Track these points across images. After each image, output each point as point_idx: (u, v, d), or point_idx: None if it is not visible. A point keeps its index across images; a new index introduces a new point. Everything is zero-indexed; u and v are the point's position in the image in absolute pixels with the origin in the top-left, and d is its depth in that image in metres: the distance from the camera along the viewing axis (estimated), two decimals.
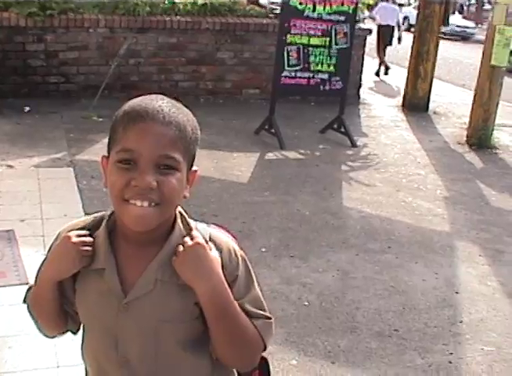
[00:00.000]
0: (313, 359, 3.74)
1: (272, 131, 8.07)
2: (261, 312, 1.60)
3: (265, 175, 6.84)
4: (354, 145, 8.31)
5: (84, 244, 1.55)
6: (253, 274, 1.62)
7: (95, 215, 1.67)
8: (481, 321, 4.33)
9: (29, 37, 8.96)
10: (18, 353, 3.51)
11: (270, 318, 1.61)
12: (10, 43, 8.88)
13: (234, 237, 1.70)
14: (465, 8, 37.96)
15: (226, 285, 1.52)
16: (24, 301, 1.72)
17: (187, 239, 1.51)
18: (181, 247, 1.50)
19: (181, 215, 1.59)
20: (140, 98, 1.52)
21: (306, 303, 4.26)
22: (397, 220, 5.95)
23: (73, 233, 1.56)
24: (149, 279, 1.52)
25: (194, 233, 1.54)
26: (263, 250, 4.99)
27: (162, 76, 9.79)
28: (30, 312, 1.70)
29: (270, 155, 7.61)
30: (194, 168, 1.57)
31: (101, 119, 8.31)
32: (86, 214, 5.31)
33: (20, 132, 7.57)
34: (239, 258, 1.59)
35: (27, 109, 8.52)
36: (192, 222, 1.60)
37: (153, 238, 1.53)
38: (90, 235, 1.58)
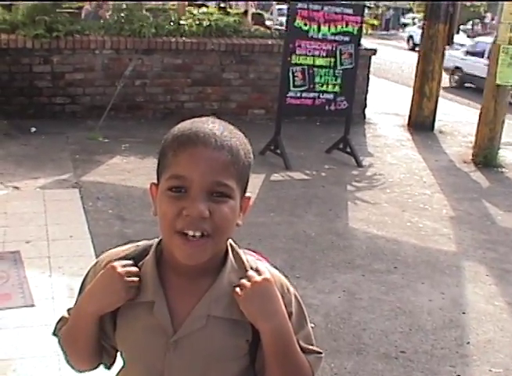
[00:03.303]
0: None
1: (278, 151, 8.08)
2: (313, 348, 1.55)
3: (270, 196, 6.83)
4: (359, 165, 8.31)
5: (131, 274, 1.45)
6: (305, 310, 1.57)
7: (138, 243, 1.57)
8: (488, 342, 4.29)
9: (35, 59, 9.04)
10: None
11: (321, 352, 1.57)
12: (17, 65, 8.95)
13: (267, 261, 1.64)
14: (469, 27, 38.10)
15: (289, 323, 1.46)
16: (54, 334, 1.62)
17: (253, 273, 1.44)
18: (246, 282, 1.42)
19: (231, 246, 1.51)
20: (190, 121, 1.44)
21: (312, 325, 4.21)
22: (403, 240, 5.93)
23: (118, 263, 1.46)
24: (201, 314, 1.43)
25: (260, 267, 1.47)
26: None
27: (168, 97, 9.84)
28: (61, 345, 1.60)
29: (276, 176, 7.61)
30: (247, 194, 1.50)
31: (107, 140, 8.35)
32: (92, 235, 5.33)
33: (26, 153, 7.60)
34: (292, 295, 1.53)
35: (33, 130, 8.56)
36: (242, 254, 1.52)
37: (203, 270, 1.45)
38: (135, 265, 1.49)
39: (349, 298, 4.74)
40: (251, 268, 1.49)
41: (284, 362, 1.46)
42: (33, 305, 4.15)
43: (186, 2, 12.69)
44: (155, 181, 1.46)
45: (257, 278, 1.43)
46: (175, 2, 13.70)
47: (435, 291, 4.95)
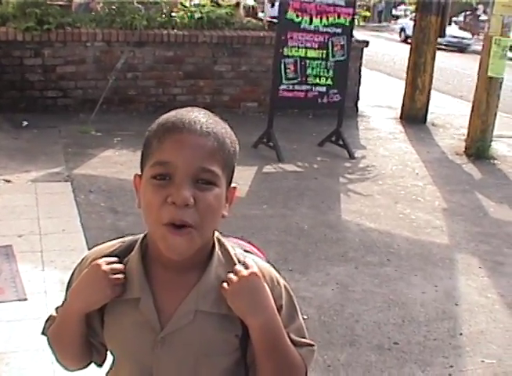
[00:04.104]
0: (312, 374, 3.71)
1: (270, 144, 8.08)
2: (305, 340, 1.54)
3: (263, 189, 6.83)
4: (352, 157, 8.31)
5: (115, 271, 1.44)
6: (296, 303, 1.55)
7: (122, 239, 1.56)
8: (481, 333, 4.31)
9: (26, 52, 8.98)
10: (16, 370, 3.48)
11: (313, 345, 1.56)
12: (8, 57, 8.90)
13: (262, 253, 1.64)
14: (462, 19, 38.12)
15: (279, 317, 1.44)
16: (43, 333, 1.61)
17: (240, 268, 1.43)
18: (233, 277, 1.41)
19: (218, 239, 1.50)
20: (175, 111, 1.43)
21: (305, 317, 4.23)
22: (396, 233, 5.94)
23: (102, 261, 1.45)
24: (188, 309, 1.42)
25: (248, 261, 1.46)
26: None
27: (160, 90, 9.81)
28: (50, 345, 1.58)
29: (268, 168, 7.61)
30: (233, 184, 1.47)
31: (99, 133, 8.33)
32: (84, 228, 5.31)
33: (18, 147, 7.57)
34: (282, 287, 1.52)
35: (25, 123, 8.53)
36: (229, 247, 1.50)
37: (190, 264, 1.43)
38: (120, 262, 1.47)
39: (342, 290, 4.75)
40: (239, 261, 1.48)
41: (274, 356, 1.45)
42: (25, 299, 4.14)
43: None
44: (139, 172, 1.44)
45: (245, 272, 1.41)
46: None
47: (428, 284, 4.96)
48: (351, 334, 4.17)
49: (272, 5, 23.40)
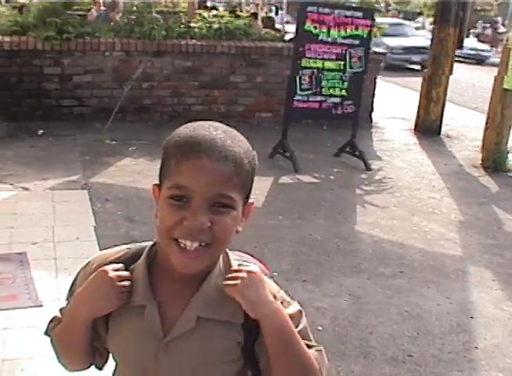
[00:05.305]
0: None
1: (287, 154, 8.08)
2: (312, 343, 1.53)
3: (279, 199, 6.83)
4: (368, 168, 8.29)
5: (122, 278, 1.45)
6: (304, 316, 1.55)
7: (129, 246, 1.57)
8: (496, 347, 4.27)
9: (46, 61, 9.08)
10: None
11: (321, 348, 1.55)
12: (27, 66, 9.01)
13: (266, 267, 1.65)
14: (480, 31, 37.99)
15: (285, 311, 1.45)
16: (46, 333, 1.62)
17: (240, 267, 1.46)
18: (240, 274, 1.43)
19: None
20: (192, 126, 1.41)
21: (320, 328, 4.22)
22: (409, 244, 5.91)
23: (109, 268, 1.46)
24: (190, 316, 1.43)
25: (242, 263, 1.51)
26: (274, 274, 4.96)
27: (175, 99, 9.86)
28: (53, 345, 1.60)
29: (284, 179, 7.61)
30: (250, 200, 1.48)
31: (114, 142, 8.38)
32: (98, 237, 5.34)
33: (34, 155, 7.63)
34: (283, 299, 1.52)
35: (41, 132, 8.60)
36: (231, 258, 1.52)
37: (196, 274, 1.44)
38: (126, 269, 1.48)
39: (355, 301, 4.73)
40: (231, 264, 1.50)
41: (289, 352, 1.44)
42: (40, 306, 4.16)
43: (196, 5, 12.72)
44: (157, 182, 1.45)
45: (250, 268, 1.45)
46: (186, 5, 13.75)
47: (441, 296, 4.94)
48: (365, 345, 4.15)
49: (276, 13, 23.48)
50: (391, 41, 20.89)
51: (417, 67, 22.02)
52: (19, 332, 3.88)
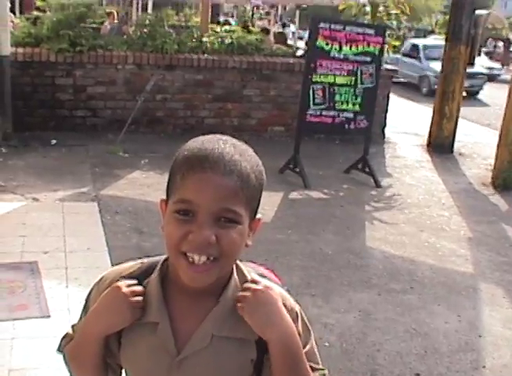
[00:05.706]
0: None
1: (297, 170, 8.09)
2: (317, 366, 1.52)
3: (288, 215, 6.83)
4: (378, 185, 8.29)
5: (135, 294, 1.43)
6: (310, 328, 1.54)
7: (141, 260, 1.56)
8: (504, 367, 4.25)
9: (58, 72, 9.14)
10: None
11: (324, 369, 1.54)
12: (40, 77, 9.07)
13: (279, 279, 1.64)
14: (492, 49, 37.99)
15: (296, 330, 1.44)
16: (59, 350, 1.60)
17: (250, 284, 1.43)
18: (246, 293, 1.41)
19: (236, 264, 1.49)
20: (201, 140, 1.40)
21: (327, 344, 4.21)
22: (420, 260, 5.90)
23: (122, 283, 1.45)
24: (204, 334, 1.41)
25: (256, 277, 1.48)
26: (284, 288, 4.94)
27: (188, 112, 9.89)
28: (66, 362, 1.58)
29: (294, 194, 7.61)
30: (258, 215, 1.46)
31: (127, 154, 8.40)
32: (109, 248, 5.35)
33: (46, 165, 7.66)
34: (297, 313, 1.52)
35: (54, 142, 8.65)
36: (246, 272, 1.51)
37: (209, 290, 1.42)
38: (139, 284, 1.46)
39: (364, 317, 4.72)
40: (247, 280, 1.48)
41: (296, 372, 1.43)
42: (49, 316, 4.17)
43: (209, 20, 12.79)
44: (164, 197, 1.44)
45: (257, 286, 1.42)
46: (198, 20, 13.83)
47: (451, 313, 4.92)
48: (372, 362, 4.14)
49: (283, 27, 23.65)
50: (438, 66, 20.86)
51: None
52: (26, 342, 3.89)
